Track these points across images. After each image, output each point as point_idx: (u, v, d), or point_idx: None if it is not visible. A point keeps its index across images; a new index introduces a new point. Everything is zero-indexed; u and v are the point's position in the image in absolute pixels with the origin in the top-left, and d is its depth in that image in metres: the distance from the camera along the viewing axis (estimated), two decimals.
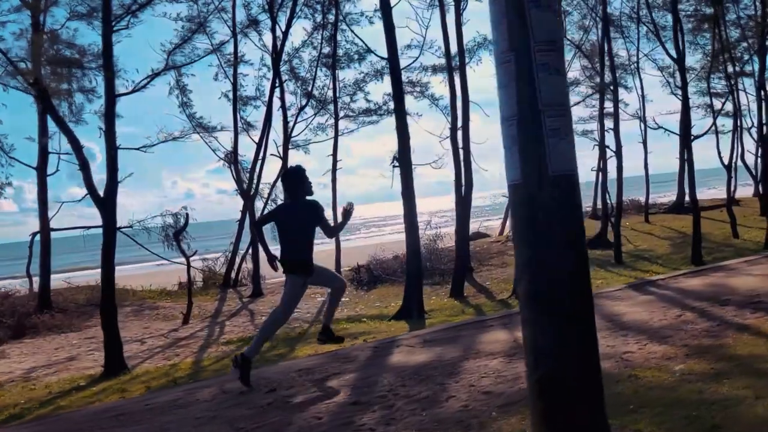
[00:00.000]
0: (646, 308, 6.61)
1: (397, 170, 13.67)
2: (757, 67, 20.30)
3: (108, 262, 10.66)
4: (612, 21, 25.40)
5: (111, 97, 10.54)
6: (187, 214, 16.64)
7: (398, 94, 13.22)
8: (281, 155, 17.50)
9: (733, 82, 21.97)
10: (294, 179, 5.99)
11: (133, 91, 11.10)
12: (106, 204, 10.53)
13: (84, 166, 10.65)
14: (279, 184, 17.93)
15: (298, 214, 5.84)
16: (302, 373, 5.67)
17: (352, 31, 18.92)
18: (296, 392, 5.06)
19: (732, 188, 28.35)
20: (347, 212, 6.12)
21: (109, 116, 10.50)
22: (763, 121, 18.40)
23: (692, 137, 16.19)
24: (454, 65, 20.54)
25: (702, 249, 19.15)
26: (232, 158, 18.47)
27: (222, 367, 9.65)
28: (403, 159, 13.09)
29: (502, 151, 3.02)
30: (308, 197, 5.92)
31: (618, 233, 18.83)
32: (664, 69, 27.07)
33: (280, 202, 20.46)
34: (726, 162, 20.10)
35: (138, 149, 10.87)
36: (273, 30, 17.63)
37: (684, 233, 22.82)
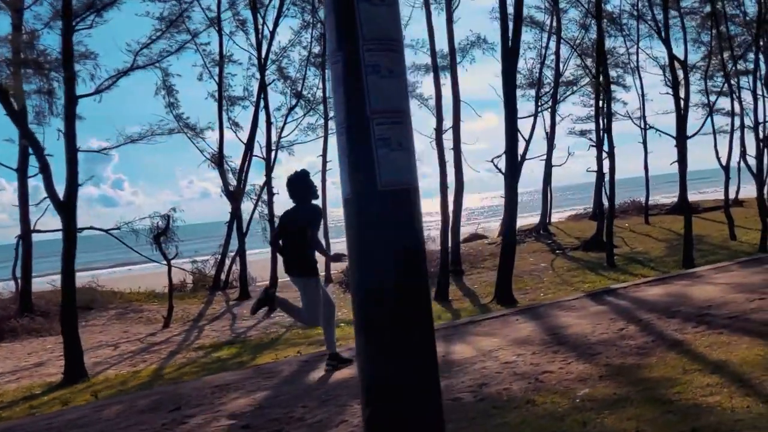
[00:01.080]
0: (593, 320, 6.29)
1: None
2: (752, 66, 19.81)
3: (68, 267, 10.46)
4: (613, 19, 25.00)
5: (71, 98, 10.33)
6: (169, 216, 16.43)
7: None
8: (264, 157, 17.28)
9: (733, 81, 21.45)
10: (298, 184, 6.04)
11: (95, 92, 10.89)
12: (66, 208, 10.34)
13: (44, 169, 10.47)
14: (270, 186, 17.71)
15: (299, 218, 5.91)
16: (219, 389, 5.41)
17: (323, 33, 18.53)
18: (199, 411, 4.80)
19: (737, 189, 27.85)
20: (336, 258, 6.60)
21: (69, 118, 10.30)
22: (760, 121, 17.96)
23: (685, 137, 15.72)
24: (445, 64, 20.26)
25: (697, 252, 18.77)
26: (218, 159, 18.26)
27: (181, 375, 9.45)
28: None
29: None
30: (314, 201, 6.09)
31: (610, 235, 18.42)
32: (666, 68, 26.62)
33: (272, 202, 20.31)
34: (724, 162, 19.56)
35: (99, 152, 10.65)
36: (256, 29, 17.39)
37: (682, 235, 22.31)
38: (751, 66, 26.32)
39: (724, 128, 24.65)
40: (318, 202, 6.39)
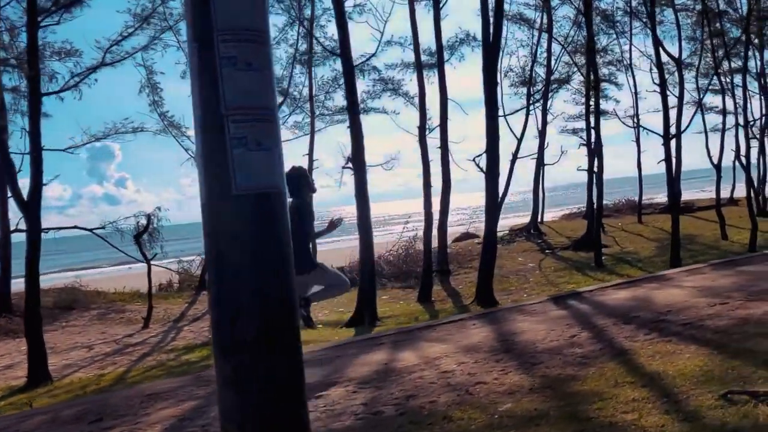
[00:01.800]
0: (549, 325, 6.06)
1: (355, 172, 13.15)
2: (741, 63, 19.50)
3: (32, 269, 10.27)
4: (606, 15, 24.70)
5: (36, 96, 10.13)
6: (149, 216, 16.25)
7: (351, 93, 12.72)
8: None
9: (726, 79, 21.17)
10: (293, 179, 6.03)
11: (61, 90, 10.68)
12: (30, 208, 10.14)
13: (7, 168, 10.29)
14: None
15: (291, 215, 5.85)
16: (149, 398, 5.20)
17: (309, 31, 18.35)
18: (120, 423, 4.59)
19: (732, 187, 27.58)
20: (333, 225, 6.39)
21: (34, 116, 10.09)
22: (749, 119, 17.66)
23: (671, 136, 15.45)
24: (433, 62, 20.00)
25: (688, 251, 18.54)
26: None
27: (144, 379, 9.27)
28: (357, 160, 12.59)
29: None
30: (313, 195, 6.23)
31: (599, 235, 18.17)
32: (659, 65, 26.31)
33: None
34: (715, 161, 19.29)
35: (64, 150, 10.45)
36: None
37: None
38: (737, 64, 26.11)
39: (719, 127, 24.37)
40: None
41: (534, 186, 23.88)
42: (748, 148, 16.84)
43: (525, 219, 28.56)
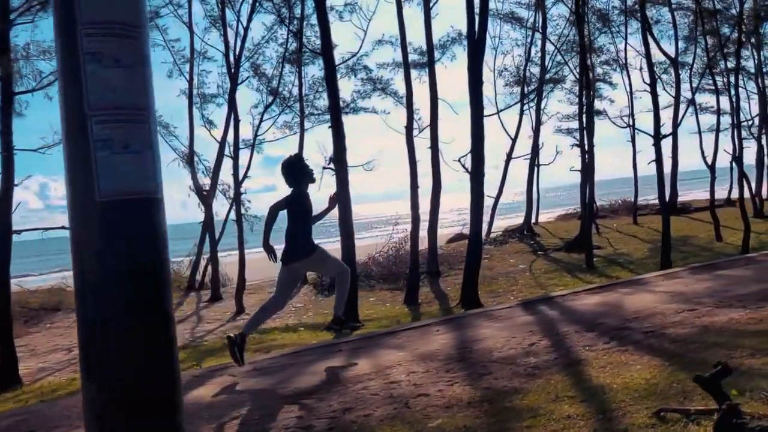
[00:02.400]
0: (512, 332, 5.87)
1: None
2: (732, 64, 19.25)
3: (2, 271, 10.12)
4: (602, 14, 24.47)
5: (8, 95, 9.97)
6: None
7: (333, 92, 12.52)
8: (232, 155, 16.89)
9: (721, 79, 20.93)
10: (290, 168, 5.98)
11: (35, 90, 10.52)
12: (1, 209, 9.99)
13: None
14: (238, 185, 17.33)
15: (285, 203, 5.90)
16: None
17: (299, 29, 18.17)
18: None
19: (729, 188, 27.32)
20: (333, 200, 6.36)
21: (6, 116, 9.93)
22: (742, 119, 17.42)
23: (662, 136, 15.24)
24: (424, 61, 19.82)
25: (681, 253, 18.33)
26: (188, 158, 17.90)
27: None
28: (339, 160, 12.41)
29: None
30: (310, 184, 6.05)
31: (589, 237, 17.95)
32: (655, 64, 26.09)
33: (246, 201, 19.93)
34: (709, 162, 19.04)
35: (35, 151, 10.29)
36: (224, 25, 16.99)
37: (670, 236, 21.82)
38: (743, 63, 25.84)
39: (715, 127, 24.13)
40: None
41: (527, 187, 23.68)
42: (741, 148, 16.56)
43: (521, 219, 28.35)
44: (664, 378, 3.82)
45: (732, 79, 22.42)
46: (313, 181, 6.10)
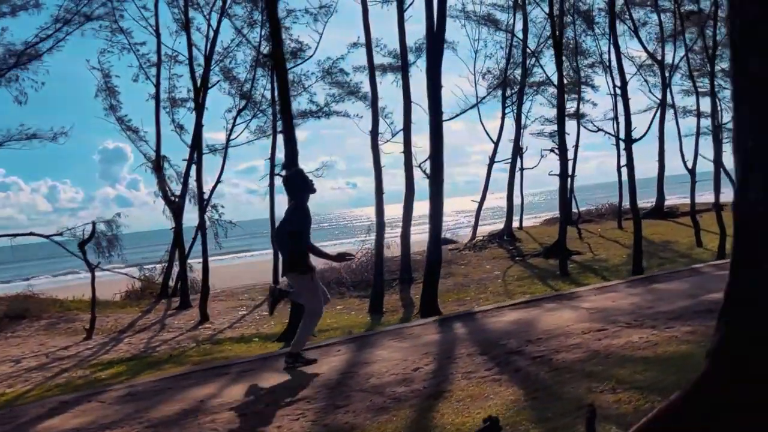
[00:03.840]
0: (407, 354, 5.52)
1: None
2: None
3: None
4: (586, 16, 24.09)
5: None
6: (93, 224, 15.81)
7: (284, 97, 12.17)
8: (194, 160, 16.56)
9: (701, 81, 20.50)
10: (293, 182, 6.16)
11: None
12: None
13: None
14: (201, 190, 17.00)
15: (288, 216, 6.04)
16: None
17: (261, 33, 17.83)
18: None
19: (716, 193, 26.82)
20: (341, 258, 6.60)
21: None
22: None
23: (633, 140, 14.82)
24: (396, 64, 19.51)
25: (658, 259, 17.97)
26: (155, 164, 17.61)
27: (39, 398, 8.79)
28: (291, 167, 12.07)
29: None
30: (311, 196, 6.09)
31: (563, 243, 17.57)
32: (643, 66, 25.68)
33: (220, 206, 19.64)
34: (690, 166, 18.60)
35: None
36: (187, 29, 16.67)
37: (651, 241, 21.41)
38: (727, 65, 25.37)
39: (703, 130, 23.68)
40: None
41: (508, 191, 23.25)
42: (720, 152, 16.11)
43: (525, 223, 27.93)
44: (511, 416, 3.46)
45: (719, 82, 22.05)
46: (313, 191, 6.16)
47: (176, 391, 5.25)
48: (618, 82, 15.07)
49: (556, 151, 17.66)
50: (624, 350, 4.67)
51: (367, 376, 4.92)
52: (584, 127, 24.13)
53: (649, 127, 21.08)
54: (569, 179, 25.26)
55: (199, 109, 16.16)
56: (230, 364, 6.20)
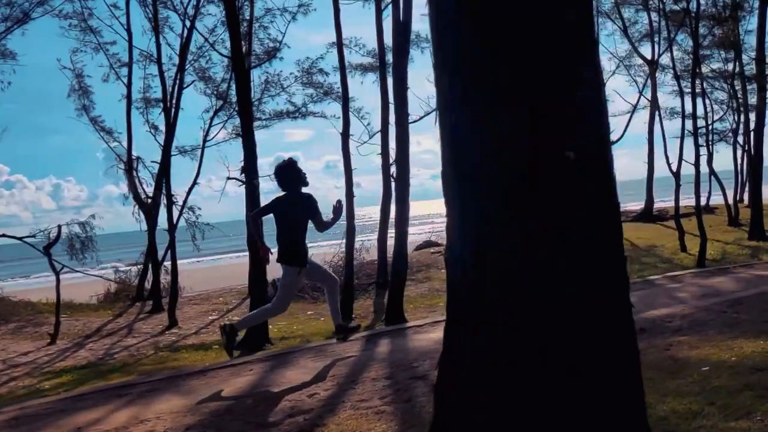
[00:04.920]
0: (315, 376, 5.16)
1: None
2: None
3: None
4: None
5: None
6: (59, 227, 15.54)
7: (243, 99, 11.86)
8: (162, 162, 16.24)
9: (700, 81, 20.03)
10: (287, 172, 6.18)
11: None
12: None
13: None
14: (170, 191, 16.69)
15: (293, 207, 6.06)
16: None
17: (248, 32, 17.53)
18: None
19: (708, 195, 26.46)
20: (337, 209, 6.58)
21: None
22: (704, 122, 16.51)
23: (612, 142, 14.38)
24: (374, 63, 19.16)
25: (641, 264, 17.61)
26: (127, 165, 17.31)
27: None
28: (250, 171, 11.77)
29: None
30: (304, 189, 6.27)
31: None
32: (631, 67, 25.32)
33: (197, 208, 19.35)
34: (674, 169, 18.18)
35: None
36: (156, 28, 16.34)
37: (636, 245, 21.02)
38: (725, 66, 24.97)
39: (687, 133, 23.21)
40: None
41: None
42: (697, 156, 15.69)
43: None
44: None
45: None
46: (306, 184, 6.27)
47: (64, 415, 4.93)
48: None
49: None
50: None
51: (258, 403, 4.58)
52: None
53: (625, 130, 20.69)
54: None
55: (167, 110, 15.87)
56: (130, 384, 5.85)
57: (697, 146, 15.78)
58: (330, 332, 13.00)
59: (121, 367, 11.14)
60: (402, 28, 12.21)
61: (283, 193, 6.26)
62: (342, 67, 15.26)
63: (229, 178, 12.62)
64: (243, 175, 12.20)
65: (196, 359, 11.19)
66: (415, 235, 35.34)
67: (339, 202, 6.62)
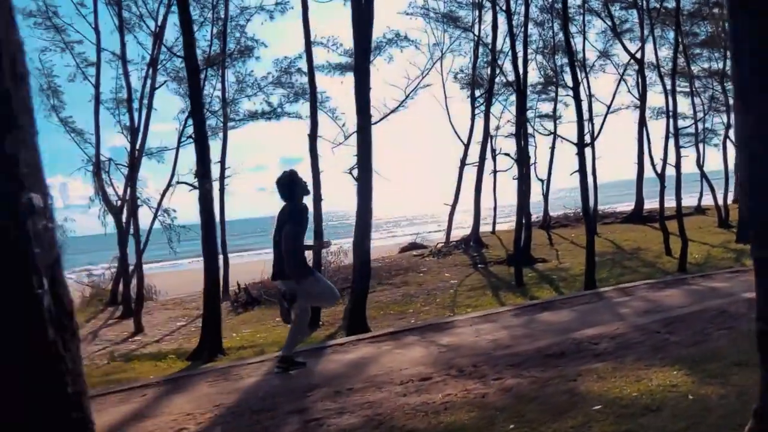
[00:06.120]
0: (199, 405, 4.75)
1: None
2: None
3: None
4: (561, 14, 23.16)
5: None
6: None
7: (195, 100, 11.42)
8: (129, 164, 15.84)
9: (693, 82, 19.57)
10: (284, 183, 6.09)
11: None
12: None
13: None
14: (135, 194, 16.30)
15: (282, 218, 5.94)
16: None
17: (223, 31, 17.11)
18: None
19: (699, 196, 25.97)
20: (321, 246, 6.94)
21: None
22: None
23: (585, 144, 13.94)
24: (352, 63, 18.70)
25: (623, 268, 17.16)
26: (95, 166, 16.92)
27: None
28: (203, 174, 11.34)
29: None
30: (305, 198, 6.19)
31: (519, 252, 16.72)
32: (623, 66, 24.78)
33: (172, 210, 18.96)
34: (659, 170, 17.66)
35: None
36: (120, 30, 15.93)
37: (621, 248, 20.53)
38: (717, 66, 24.45)
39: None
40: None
41: (475, 195, 22.32)
42: (679, 157, 15.13)
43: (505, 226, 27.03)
44: None
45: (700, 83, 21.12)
46: (308, 193, 6.24)
47: None
48: (571, 83, 14.18)
49: (512, 155, 16.81)
50: (409, 414, 3.87)
51: None
52: (536, 130, 23.36)
53: (600, 130, 20.18)
54: (546, 183, 24.44)
55: (132, 111, 15.47)
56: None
57: (677, 147, 15.26)
58: (279, 344, 12.64)
59: None
60: (363, 32, 11.81)
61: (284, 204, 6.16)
62: (310, 66, 14.79)
63: (179, 182, 12.17)
64: (196, 179, 11.80)
65: (143, 371, 10.77)
66: (405, 236, 35.01)
67: (328, 243, 7.21)
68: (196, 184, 11.48)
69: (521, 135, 16.42)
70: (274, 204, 6.25)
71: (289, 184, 6.07)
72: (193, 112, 11.44)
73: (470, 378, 4.60)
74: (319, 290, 5.90)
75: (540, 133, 23.34)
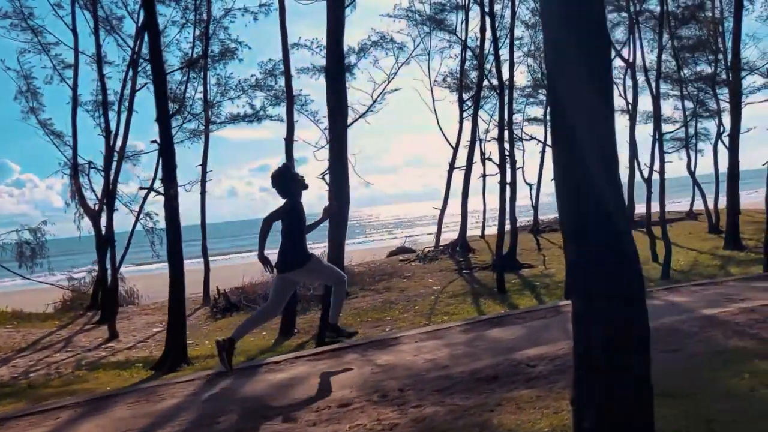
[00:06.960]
0: (113, 429, 4.46)
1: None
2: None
3: None
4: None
5: None
6: None
7: (161, 104, 11.18)
8: (104, 167, 15.62)
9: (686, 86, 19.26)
10: (279, 179, 6.12)
11: None
12: None
13: None
14: (113, 198, 16.06)
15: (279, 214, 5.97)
16: None
17: (205, 32, 16.88)
18: None
19: (691, 200, 25.69)
20: (327, 211, 6.72)
21: None
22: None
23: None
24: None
25: None
26: (72, 169, 16.70)
27: None
28: (167, 181, 11.12)
29: None
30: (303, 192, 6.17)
31: (500, 259, 16.46)
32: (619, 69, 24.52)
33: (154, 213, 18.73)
34: (646, 175, 17.40)
35: None
36: (96, 31, 15.71)
37: None
38: (707, 69, 24.15)
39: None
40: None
41: (462, 199, 22.02)
42: (662, 162, 14.83)
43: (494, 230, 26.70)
44: None
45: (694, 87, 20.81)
46: (305, 187, 6.20)
47: None
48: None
49: (494, 159, 16.54)
50: None
51: None
52: (519, 136, 23.08)
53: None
54: (536, 187, 24.15)
55: (107, 112, 15.26)
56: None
57: (662, 152, 14.98)
58: (264, 348, 12.40)
59: (24, 390, 10.48)
60: (334, 45, 11.65)
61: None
62: (287, 69, 14.56)
63: (141, 188, 11.94)
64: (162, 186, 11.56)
65: (105, 381, 10.57)
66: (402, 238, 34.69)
67: (332, 205, 7.34)
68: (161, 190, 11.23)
69: (503, 139, 16.13)
70: (279, 203, 6.14)
71: (281, 181, 6.10)
72: (159, 116, 11.19)
73: (390, 404, 4.34)
74: (326, 265, 6.27)
75: (523, 139, 23.05)
